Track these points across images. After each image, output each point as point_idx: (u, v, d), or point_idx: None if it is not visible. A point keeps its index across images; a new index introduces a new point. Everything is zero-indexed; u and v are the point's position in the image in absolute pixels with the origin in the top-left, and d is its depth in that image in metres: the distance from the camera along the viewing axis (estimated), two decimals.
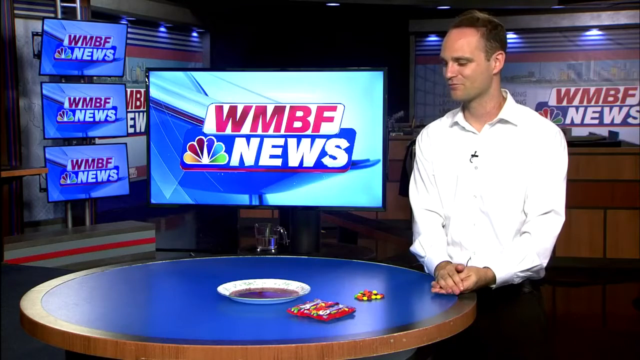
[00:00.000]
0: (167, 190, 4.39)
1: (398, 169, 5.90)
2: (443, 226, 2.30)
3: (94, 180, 6.39)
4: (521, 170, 2.19)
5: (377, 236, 5.95)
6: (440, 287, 2.01)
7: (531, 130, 2.21)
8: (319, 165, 4.25)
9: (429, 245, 2.24)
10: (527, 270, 2.15)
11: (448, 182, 2.27)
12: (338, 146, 4.22)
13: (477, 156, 2.23)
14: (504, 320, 2.23)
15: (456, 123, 2.28)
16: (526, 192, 2.20)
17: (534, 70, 11.03)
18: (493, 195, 2.20)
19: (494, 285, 2.11)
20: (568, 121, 10.83)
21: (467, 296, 1.99)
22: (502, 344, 2.24)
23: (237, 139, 4.30)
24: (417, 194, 2.33)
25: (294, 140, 4.26)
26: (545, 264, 2.19)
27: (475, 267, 2.10)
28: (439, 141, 2.31)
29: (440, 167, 2.29)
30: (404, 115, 9.51)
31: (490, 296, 2.10)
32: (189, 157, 4.35)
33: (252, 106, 4.29)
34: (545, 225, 2.17)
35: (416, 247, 2.29)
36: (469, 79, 2.17)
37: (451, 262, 2.15)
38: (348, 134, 4.21)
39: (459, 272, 2.03)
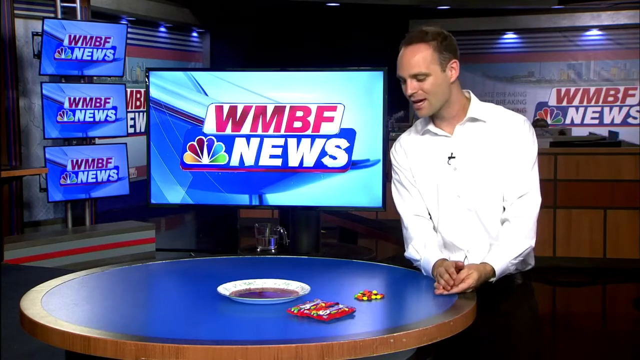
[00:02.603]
0: (167, 190, 4.39)
1: None
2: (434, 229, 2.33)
3: (94, 180, 6.38)
4: (498, 163, 2.24)
5: (377, 236, 5.93)
6: (442, 287, 2.02)
7: (500, 123, 2.27)
8: (319, 165, 4.24)
9: (423, 247, 2.26)
10: (519, 255, 2.19)
11: (430, 188, 2.31)
12: (338, 146, 4.22)
13: (454, 157, 2.28)
14: (501, 316, 2.27)
15: (427, 131, 2.33)
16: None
17: (534, 70, 11.02)
18: (476, 192, 2.25)
19: (493, 279, 2.14)
20: (568, 121, 10.82)
21: (467, 296, 1.99)
22: (501, 341, 2.27)
23: (237, 139, 4.30)
24: (404, 201, 2.36)
25: (294, 140, 4.25)
26: (533, 245, 2.24)
27: (474, 264, 2.13)
28: (413, 151, 2.35)
29: (420, 175, 2.33)
30: (404, 115, 9.49)
31: (485, 291, 2.12)
32: (189, 157, 4.35)
33: (252, 106, 4.29)
34: (523, 207, 2.22)
35: (410, 252, 2.31)
36: (430, 94, 2.21)
37: (447, 260, 2.17)
38: (348, 134, 4.21)
39: (459, 269, 2.05)
